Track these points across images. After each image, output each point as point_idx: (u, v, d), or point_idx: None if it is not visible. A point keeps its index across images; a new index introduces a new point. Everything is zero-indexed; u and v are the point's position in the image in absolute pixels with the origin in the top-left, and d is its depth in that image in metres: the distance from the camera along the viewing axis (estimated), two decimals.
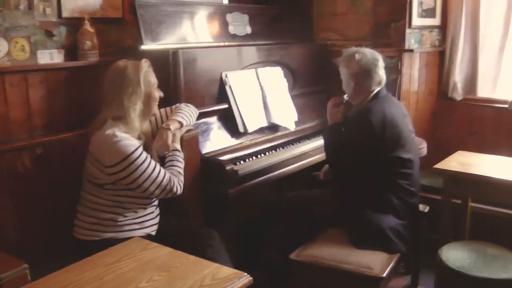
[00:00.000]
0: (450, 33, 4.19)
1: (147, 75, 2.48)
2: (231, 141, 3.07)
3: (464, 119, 4.21)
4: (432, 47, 4.17)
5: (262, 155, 3.06)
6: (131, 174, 2.32)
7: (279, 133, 3.35)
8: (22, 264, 2.13)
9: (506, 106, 3.98)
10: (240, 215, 3.20)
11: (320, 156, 3.30)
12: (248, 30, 3.55)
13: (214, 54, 3.14)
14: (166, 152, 2.54)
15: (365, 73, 2.88)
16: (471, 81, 4.26)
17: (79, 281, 1.68)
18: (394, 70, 3.72)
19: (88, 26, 2.85)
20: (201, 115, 2.90)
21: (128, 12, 3.07)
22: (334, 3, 4.01)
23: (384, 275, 2.51)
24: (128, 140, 2.35)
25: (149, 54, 2.78)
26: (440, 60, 4.30)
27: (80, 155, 2.50)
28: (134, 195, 2.42)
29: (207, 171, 2.79)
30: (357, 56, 2.90)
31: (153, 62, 2.53)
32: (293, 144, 3.33)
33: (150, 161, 2.37)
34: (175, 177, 2.44)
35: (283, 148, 3.23)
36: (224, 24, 3.41)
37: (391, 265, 2.59)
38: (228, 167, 2.74)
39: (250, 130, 3.11)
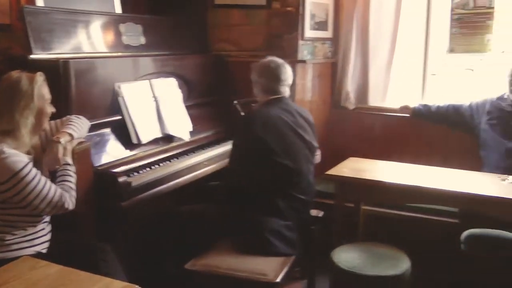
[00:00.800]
0: (342, 46, 4.42)
1: (41, 89, 2.42)
2: (125, 153, 3.05)
3: (356, 127, 4.45)
4: (325, 59, 4.38)
5: (156, 166, 3.08)
6: (21, 192, 2.26)
7: (174, 144, 3.37)
8: None
9: (395, 114, 4.22)
10: (137, 227, 3.18)
11: (215, 166, 3.40)
12: (142, 40, 3.56)
13: (107, 64, 3.13)
14: (57, 167, 2.48)
15: (272, 81, 3.07)
16: (363, 91, 4.51)
17: None
18: None
19: None
20: (94, 127, 2.88)
21: (17, 18, 2.99)
22: (229, 15, 4.11)
23: (278, 280, 2.60)
24: (17, 156, 2.28)
25: (38, 64, 2.74)
26: (333, 71, 4.52)
27: None
28: (24, 213, 2.36)
29: (100, 184, 2.77)
30: (272, 64, 3.10)
31: (43, 72, 2.46)
32: (187, 155, 3.37)
33: (40, 178, 2.31)
34: (66, 193, 2.39)
35: (177, 158, 3.27)
36: (118, 34, 3.40)
37: (284, 270, 2.69)
38: (121, 179, 2.74)
39: (143, 141, 3.12)
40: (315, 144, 3.23)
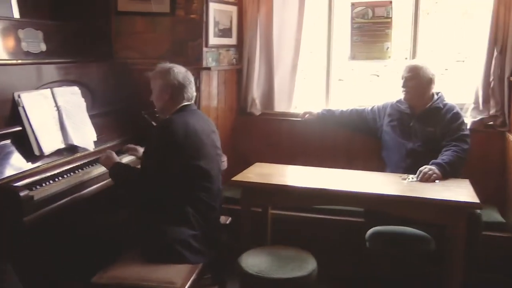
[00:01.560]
0: (246, 52, 4.54)
1: None
2: (26, 165, 2.96)
3: (262, 133, 4.58)
4: (230, 65, 4.47)
5: (61, 178, 3.03)
6: None
7: (78, 154, 3.31)
8: None
9: (299, 119, 4.37)
10: (41, 243, 3.11)
11: None
12: (43, 47, 3.48)
13: (5, 72, 3.03)
14: None
15: (180, 88, 3.10)
16: (268, 97, 4.64)
17: None
18: None
19: None
20: None
21: None
22: (133, 22, 4.11)
23: None
24: None
25: None
26: (238, 77, 4.62)
27: None
28: None
29: (0, 199, 2.68)
30: (175, 70, 3.11)
31: None
32: (92, 165, 3.32)
33: None
34: None
35: (82, 169, 3.22)
36: (17, 41, 3.29)
37: (192, 278, 2.75)
38: (22, 193, 2.65)
39: (46, 152, 3.05)
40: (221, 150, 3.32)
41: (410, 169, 3.54)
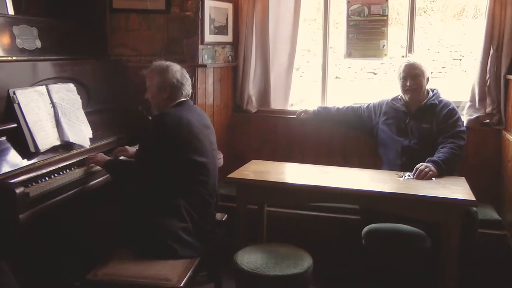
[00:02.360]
0: (242, 50, 4.56)
1: None
2: (22, 162, 2.98)
3: (258, 130, 4.61)
4: (226, 63, 4.50)
5: (56, 175, 3.05)
6: None
7: (74, 151, 3.33)
8: None
9: (295, 116, 4.40)
10: (36, 240, 3.13)
11: None
12: (38, 44, 3.50)
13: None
14: None
15: (178, 86, 3.16)
16: (264, 94, 4.67)
17: None
18: None
19: None
20: None
21: None
22: (127, 19, 4.13)
23: (182, 285, 2.69)
24: None
25: None
26: (234, 74, 4.64)
27: None
28: None
29: None
30: (173, 68, 3.17)
31: None
32: None
33: None
34: None
35: (78, 166, 3.24)
36: (11, 37, 3.31)
37: (188, 275, 2.77)
38: (18, 190, 2.67)
39: (42, 149, 3.07)
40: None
41: (406, 167, 3.58)
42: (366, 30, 4.44)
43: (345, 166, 3.84)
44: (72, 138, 3.31)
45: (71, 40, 3.80)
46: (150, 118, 3.73)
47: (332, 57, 4.71)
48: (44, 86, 3.28)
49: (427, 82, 3.81)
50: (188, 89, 3.23)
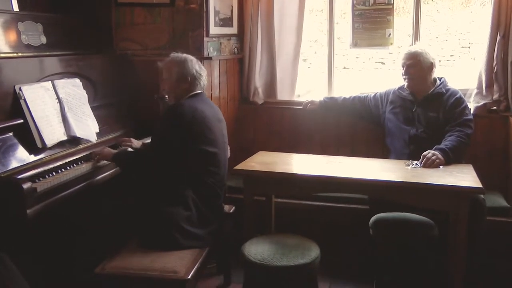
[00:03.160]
0: (247, 42, 4.55)
1: None
2: (29, 158, 3.00)
3: (265, 122, 4.61)
4: (231, 55, 4.49)
5: (63, 170, 3.06)
6: None
7: (81, 146, 3.36)
8: None
9: (302, 107, 4.39)
10: (44, 234, 3.15)
11: None
12: (43, 40, 3.51)
13: (5, 66, 3.05)
14: None
15: (197, 76, 3.22)
16: (271, 86, 4.66)
17: None
18: None
19: None
20: None
21: None
22: (132, 13, 4.11)
23: (189, 277, 2.70)
24: None
25: None
26: (240, 66, 4.63)
27: None
28: None
29: (3, 191, 2.70)
30: (192, 60, 3.24)
31: None
32: None
33: None
34: None
35: (85, 161, 3.25)
36: (17, 34, 3.32)
37: (196, 266, 2.79)
38: (25, 185, 2.68)
39: (48, 145, 3.09)
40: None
41: (413, 155, 3.57)
42: (372, 19, 4.41)
43: (353, 156, 3.82)
44: (78, 132, 3.32)
45: (76, 35, 3.81)
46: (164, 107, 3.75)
47: (340, 48, 4.69)
48: (50, 82, 3.30)
49: (431, 71, 3.79)
50: (204, 80, 3.28)
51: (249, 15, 4.50)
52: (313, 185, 3.41)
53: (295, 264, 2.87)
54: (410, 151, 3.71)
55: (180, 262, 2.76)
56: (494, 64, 4.07)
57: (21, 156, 2.98)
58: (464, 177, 3.18)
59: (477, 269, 3.45)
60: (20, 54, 3.31)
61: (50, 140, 3.12)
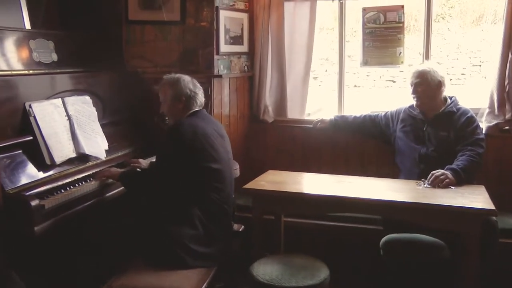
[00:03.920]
0: (258, 60, 4.54)
1: None
2: (38, 175, 3.00)
3: (275, 140, 4.58)
4: (241, 73, 4.49)
5: (72, 187, 3.05)
6: None
7: (90, 163, 3.35)
8: None
9: (312, 126, 4.37)
10: (51, 251, 3.13)
11: None
12: (54, 57, 3.52)
13: (16, 83, 3.07)
14: None
15: (192, 95, 3.20)
16: (281, 104, 4.65)
17: None
18: (205, 96, 3.91)
19: None
20: (3, 149, 2.84)
21: None
22: (143, 30, 4.13)
23: None
24: None
25: None
26: (250, 84, 4.62)
27: None
28: None
29: (11, 208, 2.70)
30: (185, 79, 3.23)
31: None
32: None
33: None
34: None
35: (94, 178, 3.24)
36: (28, 51, 3.34)
37: (204, 286, 2.73)
38: (33, 202, 2.68)
39: (57, 162, 3.09)
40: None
41: (423, 175, 3.51)
42: (382, 38, 4.40)
43: (363, 175, 3.78)
44: (88, 150, 3.32)
45: (87, 52, 3.82)
46: (165, 129, 3.74)
47: (350, 66, 4.67)
48: (59, 99, 3.30)
49: (440, 90, 3.75)
50: (201, 98, 3.27)
51: (259, 33, 4.50)
52: (322, 205, 3.37)
53: (304, 285, 2.83)
54: (420, 170, 3.66)
55: (187, 281, 2.73)
56: (506, 83, 4.03)
57: (30, 172, 2.98)
58: (476, 198, 3.13)
59: None
60: (31, 71, 3.33)
61: (59, 157, 3.12)
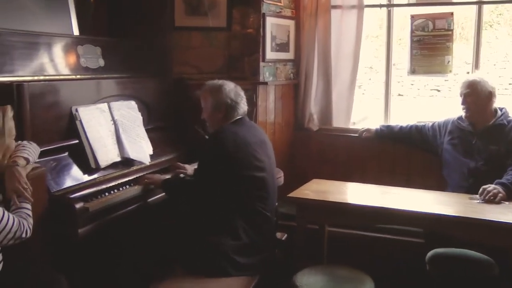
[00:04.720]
0: (304, 67, 4.48)
1: (10, 124, 2.38)
2: (83, 178, 3.01)
3: (319, 149, 4.51)
4: (287, 80, 4.44)
5: (116, 190, 3.05)
6: None
7: (134, 168, 3.34)
8: None
9: (357, 135, 4.29)
10: (95, 254, 3.13)
11: None
12: (101, 63, 3.55)
13: (64, 87, 3.09)
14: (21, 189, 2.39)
15: (233, 105, 3.11)
16: (326, 112, 4.58)
17: None
18: (250, 103, 3.88)
19: None
20: (50, 152, 2.86)
21: None
22: (189, 37, 4.13)
23: None
24: None
25: None
26: (295, 92, 4.56)
27: None
28: None
29: (56, 210, 2.71)
30: (226, 88, 3.13)
31: None
32: None
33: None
34: (24, 220, 2.31)
35: (137, 183, 3.23)
36: (76, 57, 3.37)
37: None
38: (78, 205, 2.69)
39: (102, 165, 3.09)
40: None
41: (472, 189, 3.39)
42: (431, 46, 4.28)
43: (408, 187, 3.67)
44: (132, 154, 3.32)
45: (133, 58, 3.84)
46: (206, 137, 3.71)
47: (395, 74, 4.56)
48: (106, 103, 3.32)
49: (490, 101, 3.61)
50: (243, 107, 3.19)
51: (305, 40, 4.45)
52: (366, 216, 3.27)
53: None
54: (469, 185, 3.53)
55: None
56: None
57: (75, 175, 3.00)
58: None
59: None
60: (78, 77, 3.36)
61: (103, 161, 3.12)
